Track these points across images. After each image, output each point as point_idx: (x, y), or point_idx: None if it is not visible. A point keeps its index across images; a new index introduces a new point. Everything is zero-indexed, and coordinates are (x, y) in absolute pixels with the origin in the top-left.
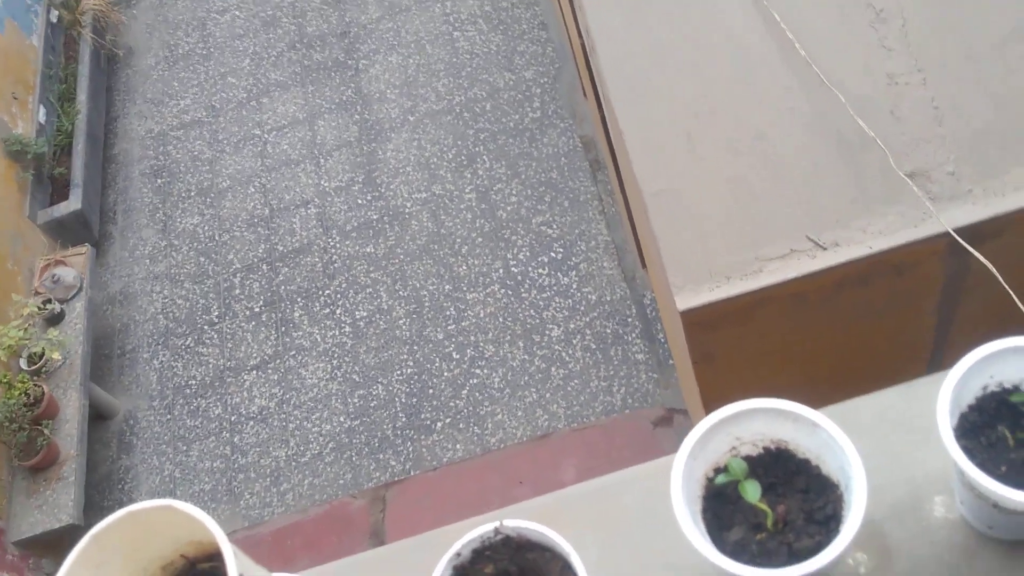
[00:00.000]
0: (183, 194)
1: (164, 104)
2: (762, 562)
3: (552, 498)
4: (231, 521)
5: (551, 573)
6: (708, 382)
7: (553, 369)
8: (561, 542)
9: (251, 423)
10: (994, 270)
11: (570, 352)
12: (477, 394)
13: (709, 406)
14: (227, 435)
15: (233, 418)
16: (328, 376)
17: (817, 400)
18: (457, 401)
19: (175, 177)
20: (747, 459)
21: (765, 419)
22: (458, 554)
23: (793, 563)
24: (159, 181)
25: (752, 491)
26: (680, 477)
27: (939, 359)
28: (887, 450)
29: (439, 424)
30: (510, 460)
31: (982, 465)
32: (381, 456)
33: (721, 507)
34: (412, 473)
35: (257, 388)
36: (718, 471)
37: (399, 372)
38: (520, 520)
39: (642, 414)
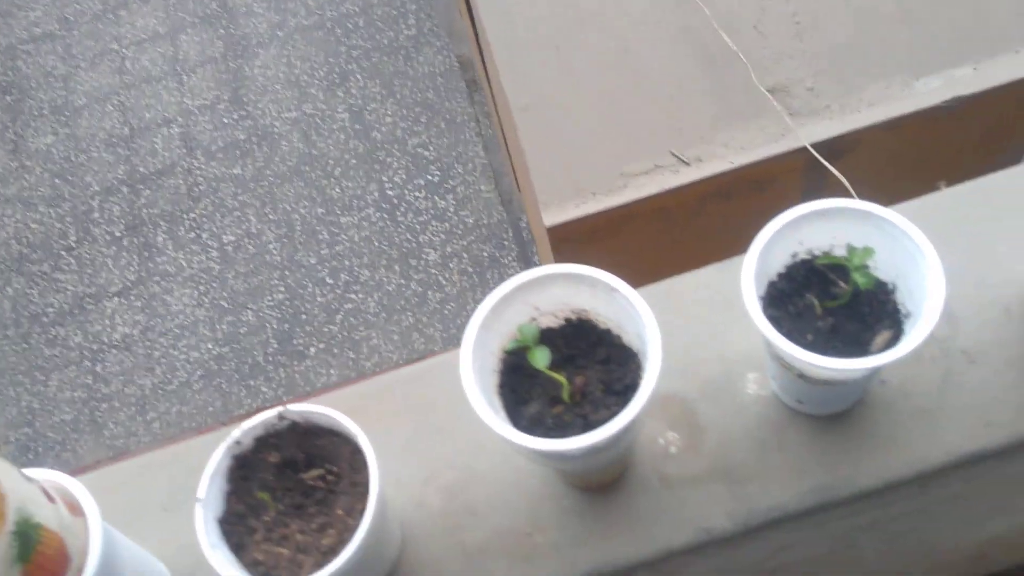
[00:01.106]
0: (35, 112)
1: (12, 16)
2: (556, 435)
3: (363, 387)
4: (95, 451)
5: (340, 456)
6: None
7: (430, 293)
8: (348, 423)
9: (114, 351)
10: (848, 185)
11: (447, 276)
12: (352, 319)
13: None
14: (88, 364)
15: (95, 347)
16: (195, 302)
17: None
18: (331, 326)
19: (25, 94)
20: (547, 331)
21: (563, 285)
22: (238, 442)
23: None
24: (8, 99)
25: (541, 357)
26: (471, 348)
27: None
28: (702, 328)
29: (312, 349)
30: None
31: (789, 335)
32: (252, 383)
33: (519, 381)
34: (284, 399)
35: (120, 315)
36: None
37: (270, 298)
38: (305, 404)
39: None
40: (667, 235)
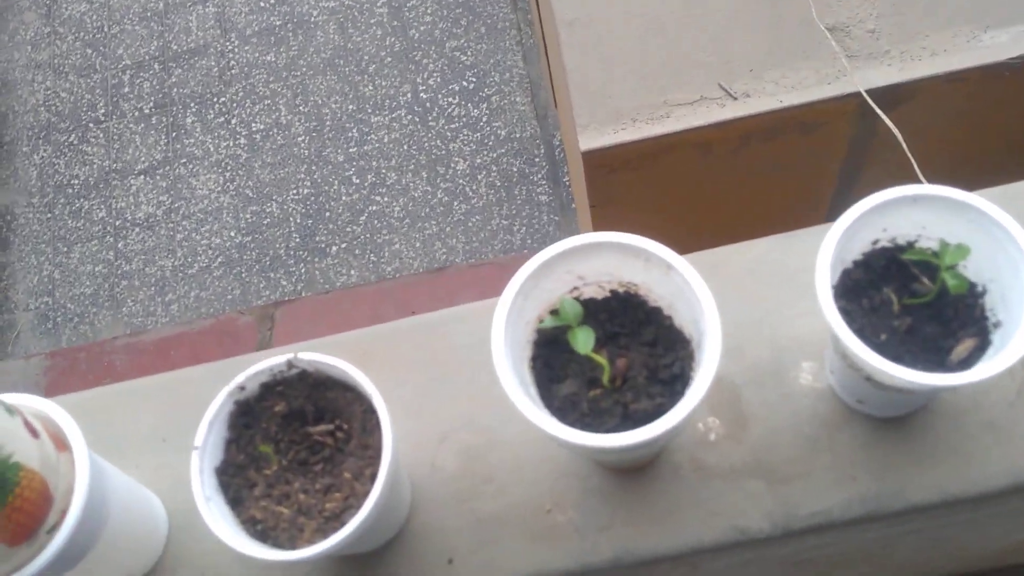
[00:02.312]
0: None
1: None
2: (591, 422)
3: (376, 331)
4: (112, 327)
5: (352, 415)
6: (605, 227)
7: (456, 203)
8: (364, 382)
9: (136, 229)
10: (900, 137)
11: (474, 187)
12: (376, 221)
13: None
14: (111, 240)
15: (118, 223)
16: (220, 188)
17: (712, 240)
18: (354, 227)
19: None
20: (589, 303)
21: (613, 255)
22: (242, 387)
23: (627, 426)
24: None
25: (584, 340)
26: (505, 317)
27: (844, 196)
28: (755, 306)
29: (334, 248)
30: (405, 289)
31: (860, 331)
32: (272, 275)
33: (555, 356)
34: (303, 294)
35: (144, 194)
36: (554, 313)
37: (295, 191)
38: (318, 353)
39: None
40: (704, 171)
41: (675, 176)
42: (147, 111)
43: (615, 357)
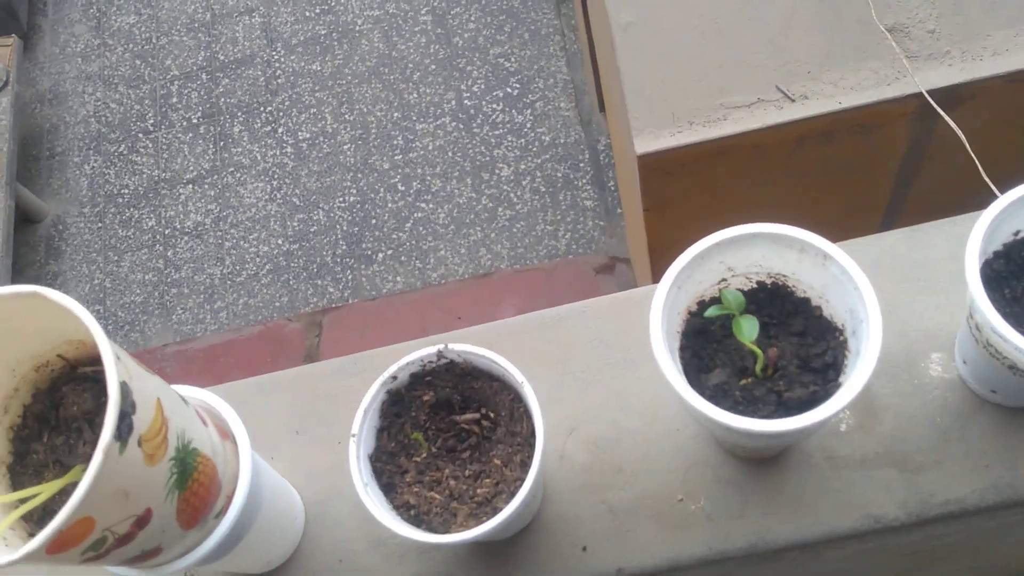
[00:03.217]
0: None
1: None
2: (745, 410)
3: (499, 326)
4: (162, 335)
5: (499, 405)
6: (657, 231)
7: (500, 209)
8: (513, 371)
9: (185, 238)
10: (963, 136)
11: (518, 193)
12: (421, 228)
13: (655, 256)
14: (160, 248)
15: (167, 231)
16: (267, 197)
17: None
18: (400, 234)
19: None
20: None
21: (766, 247)
22: (394, 377)
23: (781, 413)
24: None
25: (748, 328)
26: (661, 307)
27: (890, 224)
28: (883, 300)
29: (380, 255)
30: (451, 295)
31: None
32: (319, 282)
33: (703, 346)
34: (350, 301)
35: (193, 203)
36: (702, 305)
37: (341, 199)
38: (468, 344)
39: (585, 260)
40: (758, 173)
41: (729, 179)
42: (195, 121)
43: (765, 347)
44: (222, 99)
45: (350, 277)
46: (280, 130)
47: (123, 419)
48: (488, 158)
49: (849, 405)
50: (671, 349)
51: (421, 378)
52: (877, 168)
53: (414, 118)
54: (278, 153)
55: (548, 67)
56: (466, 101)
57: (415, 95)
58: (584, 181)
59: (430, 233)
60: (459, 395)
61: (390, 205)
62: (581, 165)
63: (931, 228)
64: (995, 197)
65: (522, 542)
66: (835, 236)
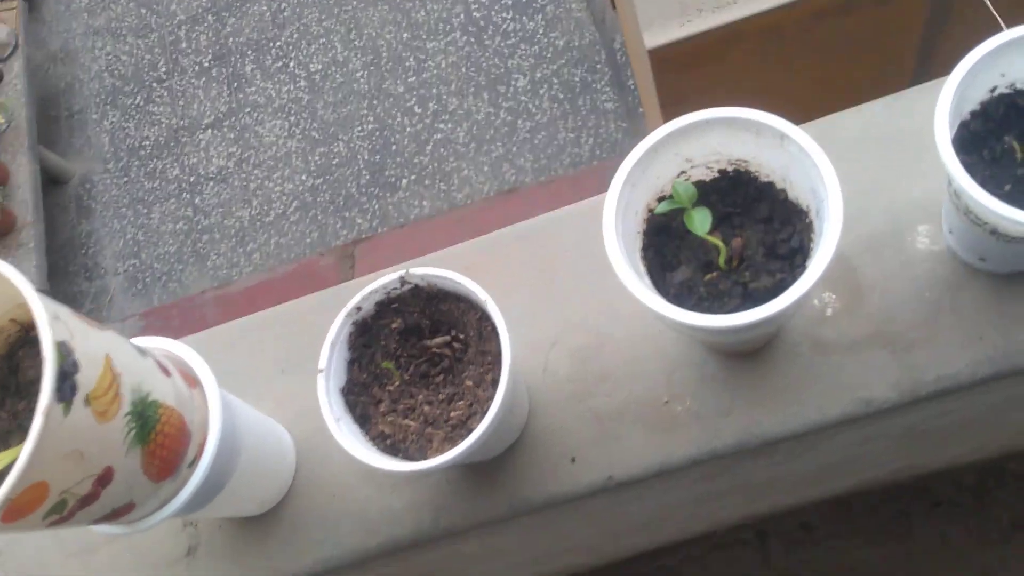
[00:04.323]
0: None
1: None
2: (711, 306)
3: (478, 243)
4: (199, 281)
5: (467, 324)
6: None
7: (519, 121)
8: (476, 289)
9: (211, 183)
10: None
11: (536, 103)
12: (442, 149)
13: None
14: (187, 196)
15: (192, 179)
16: (286, 133)
17: None
18: (421, 157)
19: None
20: (699, 184)
21: (721, 132)
22: (358, 308)
23: (748, 306)
24: None
25: (700, 221)
26: (615, 207)
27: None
28: (866, 174)
29: (404, 181)
30: (478, 215)
31: (983, 184)
32: (347, 214)
33: (666, 243)
34: (380, 230)
35: (214, 147)
36: (663, 200)
37: (360, 128)
38: (428, 267)
39: (610, 165)
40: (777, 57)
41: (748, 66)
42: (207, 64)
43: (730, 238)
44: (231, 39)
45: (377, 206)
46: (292, 64)
47: (64, 380)
48: (503, 70)
49: (811, 291)
50: (630, 250)
51: (387, 306)
52: (900, 35)
53: (424, 37)
54: (292, 88)
55: None
56: (475, 13)
57: (423, 12)
58: (603, 83)
59: (451, 153)
60: (428, 319)
61: (408, 129)
62: (598, 66)
63: (914, 93)
64: None
65: (511, 459)
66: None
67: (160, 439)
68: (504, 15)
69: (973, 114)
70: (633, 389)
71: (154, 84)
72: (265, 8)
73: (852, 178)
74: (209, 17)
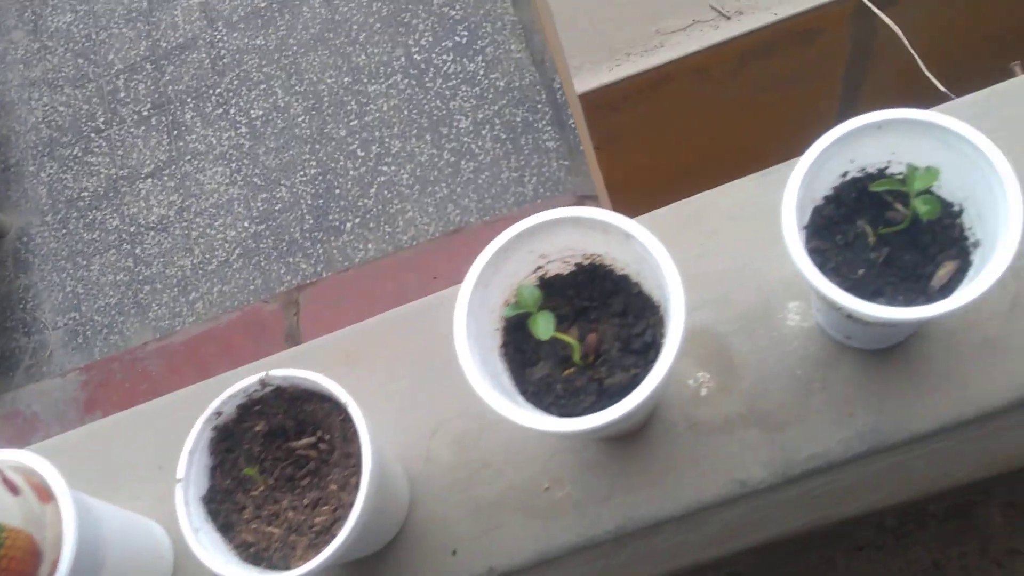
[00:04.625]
0: None
1: None
2: (567, 403)
3: (355, 331)
4: (141, 333)
5: (332, 425)
6: (611, 168)
7: (463, 162)
8: (338, 391)
9: (152, 233)
10: (902, 34)
11: (479, 143)
12: (386, 192)
13: (614, 193)
14: (128, 247)
15: (132, 229)
16: (228, 180)
17: (724, 177)
18: (365, 200)
19: None
20: (555, 279)
21: (571, 231)
22: (218, 413)
23: (603, 402)
24: None
25: (544, 326)
26: (466, 310)
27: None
28: (737, 251)
29: (348, 224)
30: (424, 256)
31: (836, 269)
32: (291, 259)
33: (525, 340)
34: (324, 275)
35: (154, 196)
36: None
37: (302, 173)
38: (289, 369)
39: (553, 203)
40: (705, 97)
41: (677, 107)
42: (146, 113)
43: (586, 332)
44: (170, 87)
45: (321, 251)
46: (232, 111)
47: None
48: (445, 111)
49: (656, 391)
50: (488, 349)
51: (249, 408)
52: (824, 76)
53: (365, 80)
54: (233, 134)
55: (494, 10)
56: (415, 56)
57: (363, 56)
58: (544, 122)
59: (396, 196)
60: (292, 420)
61: (352, 172)
62: (539, 106)
63: (785, 168)
64: (940, 94)
65: (392, 554)
66: (788, 152)
67: (4, 563)
68: (445, 57)
69: (827, 198)
70: (513, 476)
71: (92, 134)
72: (204, 55)
73: (724, 254)
74: (148, 66)
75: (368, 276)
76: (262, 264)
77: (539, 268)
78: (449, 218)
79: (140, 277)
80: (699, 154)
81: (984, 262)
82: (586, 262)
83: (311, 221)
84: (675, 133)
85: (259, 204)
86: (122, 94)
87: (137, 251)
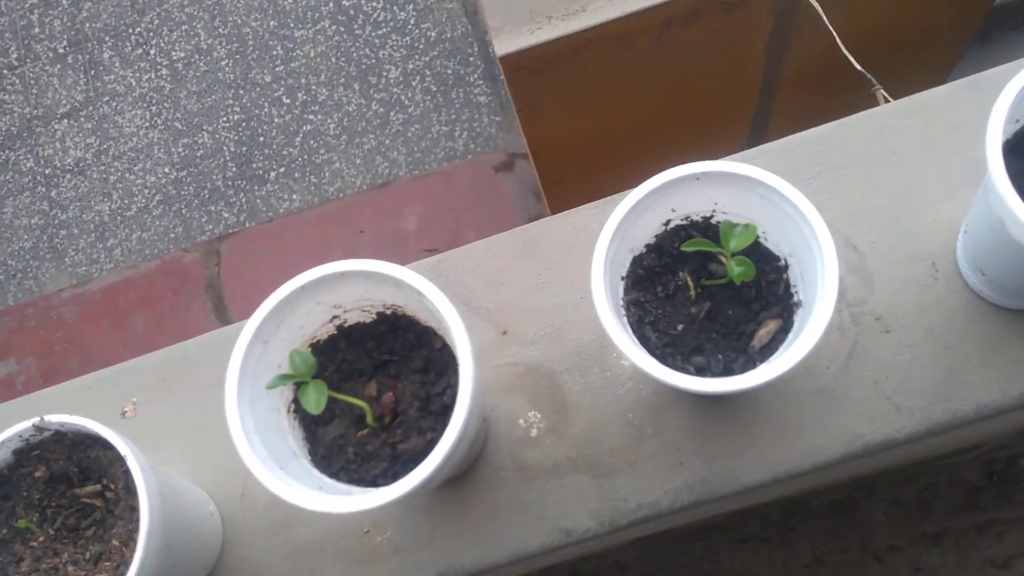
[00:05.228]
0: None
1: None
2: (359, 468)
3: (176, 350)
4: (57, 279)
5: (115, 476)
6: (533, 130)
7: (392, 114)
8: (117, 442)
9: (68, 176)
10: (819, 7)
11: (409, 95)
12: (312, 141)
13: (538, 157)
14: (43, 190)
15: (47, 171)
16: (148, 124)
17: (649, 145)
18: (291, 149)
19: None
20: (355, 329)
21: (361, 284)
22: None
23: (396, 468)
24: None
25: (316, 399)
26: (238, 371)
27: (767, 105)
28: (574, 285)
29: (272, 174)
30: (350, 209)
31: (655, 323)
32: (213, 208)
33: None
34: (247, 225)
35: (71, 138)
36: (313, 349)
37: (225, 119)
38: (65, 415)
39: (484, 159)
40: (628, 64)
41: (599, 73)
42: (61, 51)
43: (386, 388)
44: (87, 24)
45: (244, 200)
46: (152, 52)
47: None
48: (374, 60)
49: (440, 468)
50: (275, 409)
51: (27, 453)
52: (746, 46)
53: (291, 25)
54: (153, 76)
55: None
56: (344, 1)
57: (290, 0)
58: (475, 76)
59: (322, 145)
60: (76, 467)
61: (277, 120)
62: (471, 59)
63: (615, 200)
64: (855, 72)
65: None
66: (710, 120)
67: None
68: (374, 4)
69: (648, 247)
70: (333, 518)
71: (5, 71)
72: None
73: (558, 284)
74: (63, 1)
75: (292, 228)
76: (183, 212)
77: (335, 318)
78: (377, 171)
79: (56, 221)
80: (623, 121)
81: (802, 326)
82: (388, 312)
83: (234, 169)
84: (598, 99)
85: (180, 150)
86: (36, 29)
87: (53, 194)
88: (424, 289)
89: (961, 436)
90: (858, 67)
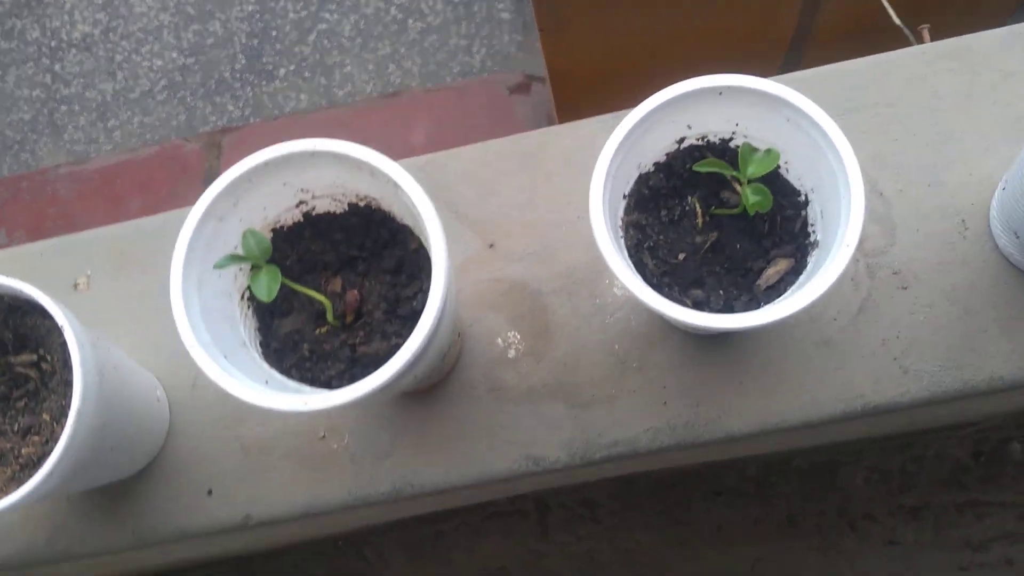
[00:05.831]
0: None
1: None
2: (312, 367)
3: (135, 225)
4: (54, 155)
5: (52, 347)
6: (555, 53)
7: (411, 21)
8: (53, 309)
9: (73, 51)
10: None
11: (430, 4)
12: (325, 41)
13: (557, 83)
14: (47, 62)
15: (53, 43)
16: (159, 5)
17: (675, 78)
18: (303, 47)
19: None
20: (324, 218)
21: (332, 167)
22: None
23: (354, 371)
24: None
25: (268, 285)
26: (185, 246)
27: (805, 33)
28: (571, 201)
29: (282, 71)
30: (358, 116)
31: (655, 249)
32: (218, 99)
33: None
34: (252, 120)
35: (79, 11)
36: (277, 233)
37: (239, 8)
38: (3, 276)
39: (499, 78)
40: None
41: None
42: None
43: (351, 285)
44: None
45: (251, 94)
46: None
47: None
48: None
49: (396, 377)
50: (227, 293)
51: None
52: None
53: None
54: None
55: None
56: None
57: None
58: None
59: (335, 47)
60: (11, 333)
61: (291, 15)
62: None
63: (596, 123)
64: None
65: (143, 484)
66: (747, 55)
67: None
68: None
69: (657, 166)
70: (288, 419)
71: None
72: None
73: (557, 203)
74: None
75: (297, 128)
76: (188, 100)
77: (302, 203)
78: (389, 79)
79: (57, 96)
80: (649, 49)
81: (816, 269)
82: (361, 203)
83: (243, 61)
84: (626, 23)
85: (190, 36)
86: None
87: (56, 68)
88: (400, 179)
89: (960, 409)
90: (896, 21)
